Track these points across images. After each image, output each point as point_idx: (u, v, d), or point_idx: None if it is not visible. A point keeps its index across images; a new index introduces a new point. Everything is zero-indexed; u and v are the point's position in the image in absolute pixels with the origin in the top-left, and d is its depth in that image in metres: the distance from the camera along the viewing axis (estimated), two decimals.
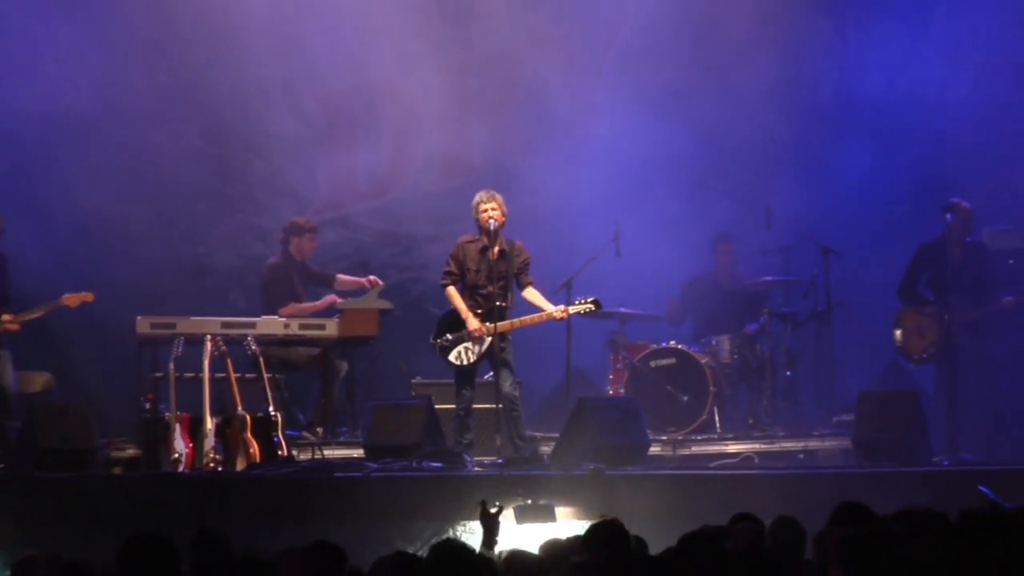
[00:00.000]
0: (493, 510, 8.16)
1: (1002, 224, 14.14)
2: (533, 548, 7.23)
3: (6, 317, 12.45)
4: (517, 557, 6.74)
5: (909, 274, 13.39)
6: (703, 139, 15.04)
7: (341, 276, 13.95)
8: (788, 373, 14.23)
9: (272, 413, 12.38)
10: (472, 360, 12.09)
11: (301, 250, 13.91)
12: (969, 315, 13.13)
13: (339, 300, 13.70)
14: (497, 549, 7.89)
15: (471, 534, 10.41)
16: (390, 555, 6.46)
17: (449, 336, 12.12)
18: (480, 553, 6.62)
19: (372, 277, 13.75)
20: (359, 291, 13.65)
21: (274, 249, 14.20)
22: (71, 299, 12.75)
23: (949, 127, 14.97)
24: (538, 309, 12.14)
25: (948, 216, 13.26)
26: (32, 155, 14.80)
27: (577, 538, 7.16)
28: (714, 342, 14.23)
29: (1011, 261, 13.84)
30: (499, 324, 11.93)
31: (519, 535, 10.25)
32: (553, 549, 7.03)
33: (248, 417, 12.27)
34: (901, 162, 14.95)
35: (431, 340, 12.28)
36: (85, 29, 15.02)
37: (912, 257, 13.40)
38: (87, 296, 12.80)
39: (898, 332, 13.43)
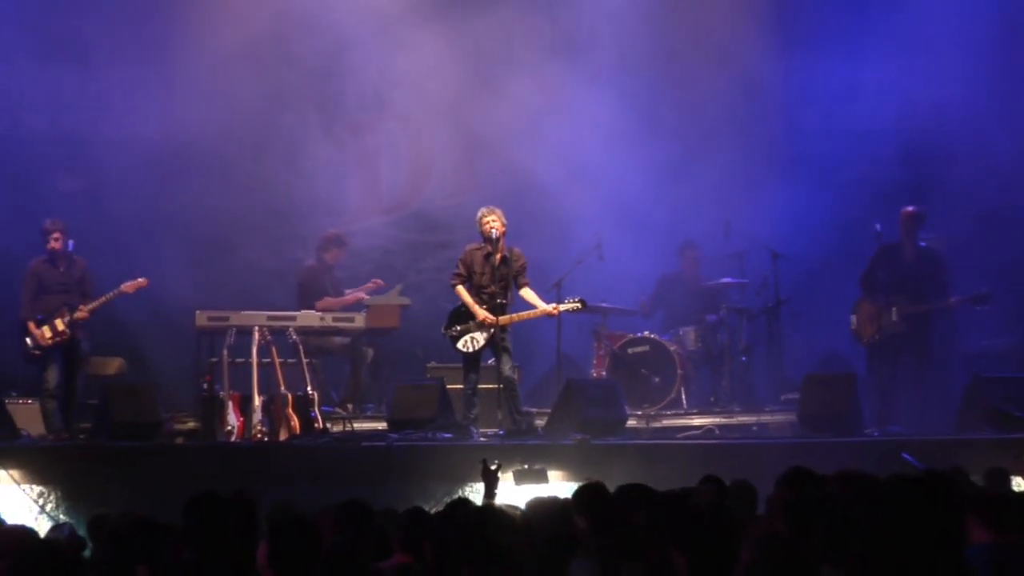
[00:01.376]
0: (493, 467, 8.16)
1: (928, 233, 14.12)
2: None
3: (82, 307, 12.50)
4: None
5: (869, 269, 13.32)
6: (673, 162, 15.01)
7: (348, 292, 13.93)
8: (743, 358, 14.21)
9: (310, 392, 12.36)
10: (478, 348, 12.09)
11: (333, 258, 13.96)
12: (913, 308, 13.07)
13: (366, 297, 13.74)
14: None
15: (477, 493, 10.41)
16: (408, 509, 6.48)
17: (458, 327, 12.10)
18: (486, 509, 6.60)
19: (375, 280, 13.83)
20: (378, 291, 13.69)
21: (310, 254, 14.22)
22: (129, 286, 12.68)
23: (880, 151, 14.97)
24: (533, 306, 12.15)
25: (901, 222, 13.23)
26: (105, 176, 14.77)
27: (557, 498, 7.15)
28: (681, 332, 14.20)
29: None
30: (500, 318, 11.94)
31: (517, 494, 10.26)
32: (538, 505, 7.00)
33: (290, 395, 12.26)
34: (839, 180, 14.92)
35: (443, 331, 12.27)
36: (155, 70, 15.03)
37: (873, 255, 13.33)
38: (142, 282, 12.72)
39: (854, 317, 13.33)
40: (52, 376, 12.46)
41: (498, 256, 12.00)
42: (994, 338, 14.32)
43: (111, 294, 12.64)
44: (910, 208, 13.26)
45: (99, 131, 15.02)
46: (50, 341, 12.40)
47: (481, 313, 11.93)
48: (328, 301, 13.59)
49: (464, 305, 12.06)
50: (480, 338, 12.01)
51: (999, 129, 14.66)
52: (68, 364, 12.51)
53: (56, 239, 12.49)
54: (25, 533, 5.33)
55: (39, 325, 12.39)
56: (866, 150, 15.02)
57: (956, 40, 14.88)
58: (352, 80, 15.57)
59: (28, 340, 12.46)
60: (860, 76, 15.06)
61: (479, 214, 12.08)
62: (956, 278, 13.63)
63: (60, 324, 12.42)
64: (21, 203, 14.00)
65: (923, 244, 13.27)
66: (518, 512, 6.82)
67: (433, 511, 7.24)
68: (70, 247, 12.58)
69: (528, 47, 15.35)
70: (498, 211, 12.06)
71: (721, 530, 5.21)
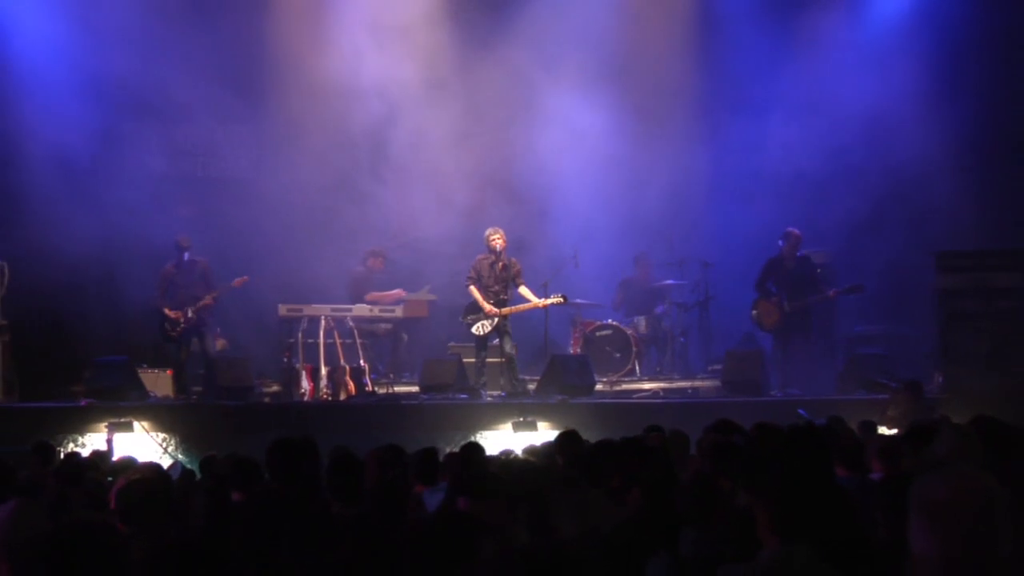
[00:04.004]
0: None
1: (815, 247, 14.17)
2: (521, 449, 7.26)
3: (208, 296, 12.62)
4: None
5: (761, 275, 13.39)
6: (631, 192, 15.02)
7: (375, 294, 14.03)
8: (682, 339, 14.26)
9: (362, 364, 12.44)
10: (486, 331, 12.15)
11: (374, 266, 14.11)
12: (797, 303, 13.13)
13: (404, 294, 13.81)
14: (499, 450, 7.92)
15: (485, 440, 10.47)
16: (422, 449, 6.53)
17: (471, 316, 12.19)
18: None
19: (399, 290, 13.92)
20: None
21: (359, 262, 14.31)
22: (236, 282, 12.84)
23: (783, 186, 15.00)
24: (527, 301, 12.21)
25: (784, 240, 13.30)
26: (210, 205, 14.81)
27: (549, 443, 7.20)
28: (635, 320, 14.23)
29: (819, 270, 13.87)
30: (502, 310, 12.02)
31: (515, 440, 10.31)
32: (533, 450, 7.05)
33: (347, 367, 12.33)
34: (753, 208, 14.92)
35: (460, 319, 12.35)
36: (248, 126, 15.05)
37: (763, 265, 13.41)
38: (245, 278, 12.86)
39: (754, 312, 13.39)
40: (184, 352, 12.60)
41: (500, 264, 12.09)
42: (869, 324, 14.39)
43: (225, 287, 12.79)
44: (794, 231, 13.33)
45: (206, 172, 15.05)
46: (183, 326, 12.49)
47: (487, 307, 12.05)
48: (374, 295, 13.73)
49: (475, 300, 12.16)
50: (488, 324, 12.09)
51: (887, 165, 14.79)
52: (197, 342, 12.65)
53: (188, 249, 12.64)
54: (155, 465, 5.39)
55: (173, 311, 12.50)
56: (771, 187, 15.05)
57: (845, 99, 14.93)
58: (393, 133, 15.57)
59: (166, 324, 12.56)
60: (769, 130, 15.10)
61: (486, 232, 12.19)
62: (841, 277, 13.73)
63: (190, 311, 12.54)
64: (148, 225, 14.02)
65: (799, 255, 13.32)
66: (516, 456, 6.87)
67: (450, 451, 7.29)
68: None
69: (521, 104, 15.36)
70: (501, 230, 12.19)
71: (664, 464, 5.26)
